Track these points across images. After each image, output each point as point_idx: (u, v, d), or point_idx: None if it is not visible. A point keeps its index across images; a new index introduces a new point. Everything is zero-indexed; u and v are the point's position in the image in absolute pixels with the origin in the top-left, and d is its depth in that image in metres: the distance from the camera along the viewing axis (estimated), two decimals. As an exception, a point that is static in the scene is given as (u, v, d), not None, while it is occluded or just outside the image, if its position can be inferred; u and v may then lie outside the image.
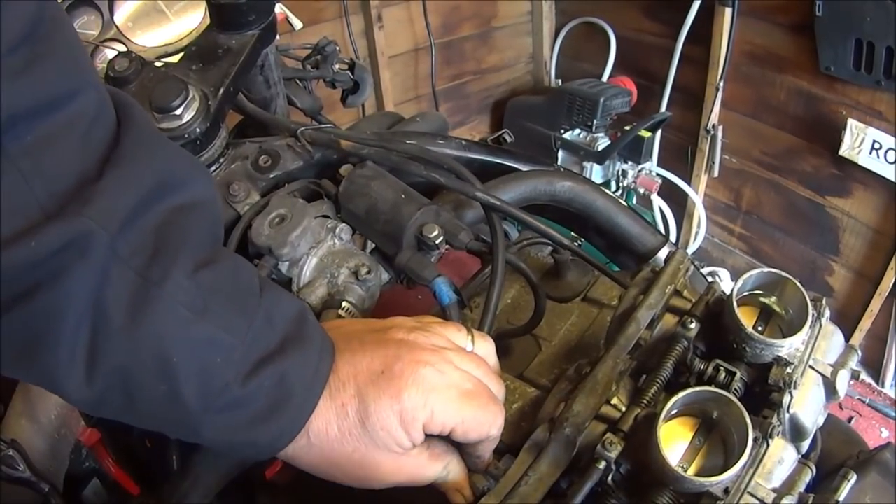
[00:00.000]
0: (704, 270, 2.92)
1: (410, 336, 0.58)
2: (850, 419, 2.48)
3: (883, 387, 2.63)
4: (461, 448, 0.60)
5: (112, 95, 0.52)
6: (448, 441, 0.59)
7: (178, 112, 0.76)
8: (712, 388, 0.55)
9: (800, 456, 0.64)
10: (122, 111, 0.51)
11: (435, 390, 0.54)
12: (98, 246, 0.44)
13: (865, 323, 2.57)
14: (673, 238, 3.13)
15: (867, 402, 2.57)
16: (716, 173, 2.94)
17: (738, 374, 0.58)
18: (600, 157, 2.88)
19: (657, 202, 3.05)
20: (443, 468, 0.59)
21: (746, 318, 0.61)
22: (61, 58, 0.46)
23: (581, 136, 2.99)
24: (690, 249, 3.14)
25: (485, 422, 0.57)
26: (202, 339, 0.48)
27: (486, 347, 0.65)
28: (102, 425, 0.96)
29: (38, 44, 0.44)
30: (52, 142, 0.44)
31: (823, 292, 2.73)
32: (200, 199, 0.53)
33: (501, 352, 0.95)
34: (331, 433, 0.54)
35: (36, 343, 0.45)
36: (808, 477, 0.60)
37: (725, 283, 2.90)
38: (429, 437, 0.56)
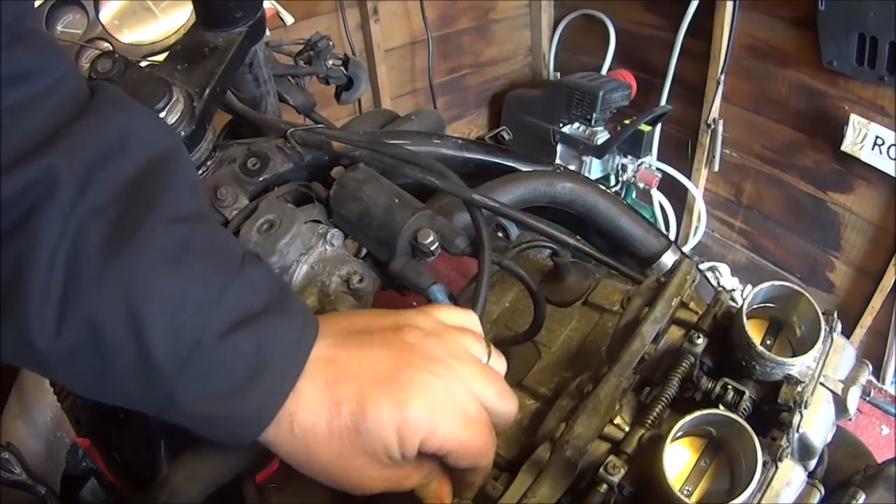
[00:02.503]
0: (704, 265, 2.90)
1: (424, 342, 0.55)
2: (850, 416, 2.47)
3: (883, 384, 2.61)
4: (454, 474, 0.58)
5: (88, 82, 0.54)
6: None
7: (161, 115, 0.73)
8: (721, 412, 0.52)
9: (808, 473, 0.62)
10: (94, 84, 0.53)
11: (441, 408, 0.52)
12: (63, 187, 0.45)
13: (866, 320, 2.56)
14: (673, 233, 3.11)
15: (868, 398, 2.56)
16: (716, 168, 2.91)
17: (747, 394, 0.56)
18: (600, 152, 2.86)
19: (657, 197, 3.02)
20: (426, 475, 0.56)
21: (755, 330, 0.59)
22: (39, 41, 0.50)
23: (580, 129, 2.96)
24: (690, 244, 3.12)
25: (480, 450, 0.55)
26: (173, 289, 0.46)
27: (500, 363, 0.62)
28: (92, 435, 0.94)
29: (20, 29, 0.48)
30: (30, 105, 0.47)
31: (824, 288, 2.73)
32: (174, 152, 0.52)
33: (499, 359, 0.93)
34: (318, 429, 0.50)
35: (8, 285, 0.44)
36: (816, 498, 0.58)
37: (725, 278, 2.88)
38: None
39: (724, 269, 2.98)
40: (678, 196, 3.05)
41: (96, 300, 0.45)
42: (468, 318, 0.63)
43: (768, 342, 0.62)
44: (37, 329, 0.44)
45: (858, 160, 2.37)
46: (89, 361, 0.46)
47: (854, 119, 2.32)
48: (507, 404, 0.58)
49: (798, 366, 0.57)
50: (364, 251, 0.84)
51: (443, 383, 0.53)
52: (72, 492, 0.97)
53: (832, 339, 0.62)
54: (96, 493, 0.99)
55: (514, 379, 0.87)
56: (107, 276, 0.45)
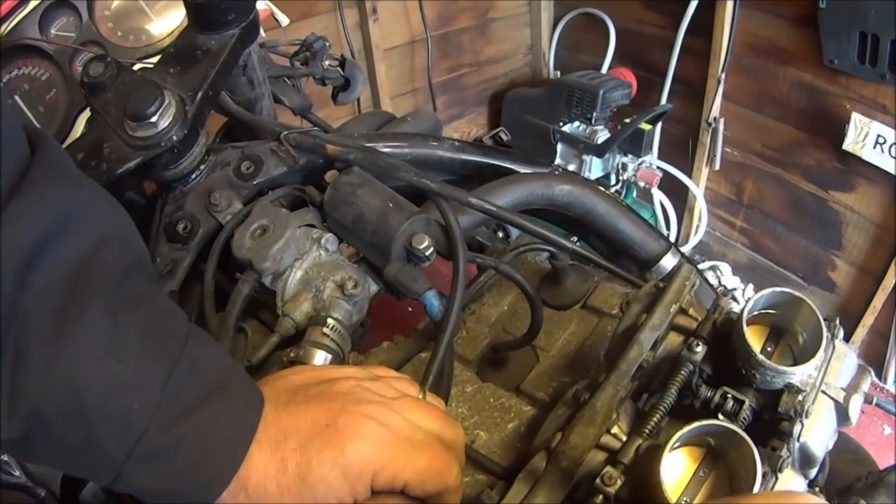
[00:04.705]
0: (705, 265, 2.88)
1: (358, 388, 0.56)
2: (851, 416, 2.46)
3: (885, 383, 2.60)
4: (429, 501, 0.57)
5: (27, 131, 0.51)
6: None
7: (153, 120, 0.72)
8: (720, 422, 0.51)
9: (809, 481, 0.61)
10: (36, 146, 0.51)
11: (383, 444, 0.52)
12: (5, 274, 0.44)
13: (868, 319, 2.54)
14: (674, 232, 3.10)
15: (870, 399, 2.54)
16: (717, 166, 2.90)
17: (747, 403, 0.55)
18: (600, 151, 2.84)
19: (658, 196, 3.01)
20: None
21: (755, 338, 0.58)
22: None
23: (580, 128, 2.95)
24: (691, 243, 3.10)
25: (438, 471, 0.54)
26: (117, 383, 0.47)
27: (435, 401, 0.63)
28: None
29: None
30: None
31: (826, 287, 2.71)
32: (116, 230, 0.52)
33: (497, 363, 0.92)
34: (269, 489, 0.51)
35: None
36: (817, 507, 0.57)
37: (726, 277, 2.86)
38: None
39: (725, 268, 2.96)
40: (679, 195, 3.04)
41: (43, 392, 0.45)
42: (401, 374, 0.64)
43: (769, 349, 0.60)
44: None
45: (860, 159, 2.36)
46: (41, 446, 0.48)
47: (855, 118, 2.31)
48: (451, 429, 0.59)
49: (799, 374, 0.56)
50: (359, 255, 0.83)
51: (379, 422, 0.53)
52: (72, 494, 0.97)
53: (834, 346, 0.61)
54: (97, 496, 0.98)
55: (512, 384, 0.86)
56: (51, 368, 0.45)
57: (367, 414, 0.53)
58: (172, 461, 0.48)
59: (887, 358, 2.56)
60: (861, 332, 2.57)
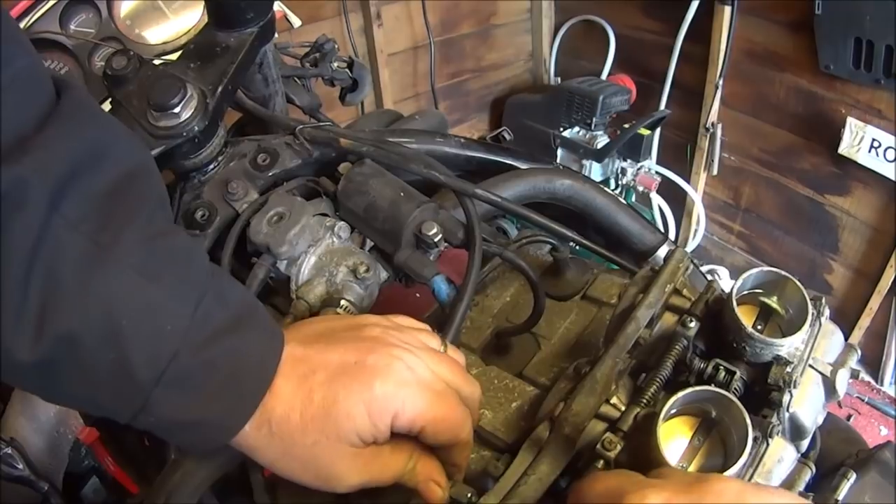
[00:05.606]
0: (703, 269, 2.92)
1: (385, 334, 0.59)
2: (848, 417, 2.48)
3: (882, 385, 2.63)
4: (439, 457, 0.60)
5: (53, 78, 0.52)
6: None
7: (176, 110, 0.75)
8: (712, 388, 0.55)
9: (799, 455, 0.64)
10: (61, 84, 0.52)
11: (407, 385, 0.55)
12: (35, 198, 0.44)
13: (864, 321, 2.57)
14: (672, 236, 3.13)
15: (866, 400, 2.57)
16: (715, 171, 2.93)
17: (738, 374, 0.58)
18: (599, 156, 2.88)
19: (656, 200, 3.04)
20: (408, 459, 0.58)
21: (746, 316, 0.61)
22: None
23: (580, 134, 2.99)
24: (689, 247, 3.14)
25: (454, 423, 0.57)
26: (152, 305, 0.48)
27: (457, 355, 0.65)
28: (101, 424, 0.96)
29: None
30: None
31: (822, 290, 2.73)
32: (145, 167, 0.54)
33: (501, 350, 0.96)
34: (293, 420, 0.53)
35: None
36: (807, 476, 0.60)
37: (724, 282, 2.89)
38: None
39: (723, 272, 3.00)
40: (677, 200, 3.07)
41: (76, 314, 0.45)
42: (423, 325, 0.66)
43: (759, 327, 0.64)
44: (14, 341, 0.44)
45: (856, 163, 2.39)
46: (66, 373, 0.47)
47: (851, 122, 2.34)
48: (469, 385, 0.61)
49: (787, 346, 0.59)
50: (370, 244, 0.87)
51: (406, 365, 0.56)
52: (74, 490, 0.99)
53: (820, 324, 0.64)
54: (98, 492, 1.01)
55: (515, 369, 0.90)
56: (87, 291, 0.45)
57: (395, 355, 0.56)
58: (201, 385, 0.50)
59: (884, 360, 2.59)
60: (857, 335, 2.60)
